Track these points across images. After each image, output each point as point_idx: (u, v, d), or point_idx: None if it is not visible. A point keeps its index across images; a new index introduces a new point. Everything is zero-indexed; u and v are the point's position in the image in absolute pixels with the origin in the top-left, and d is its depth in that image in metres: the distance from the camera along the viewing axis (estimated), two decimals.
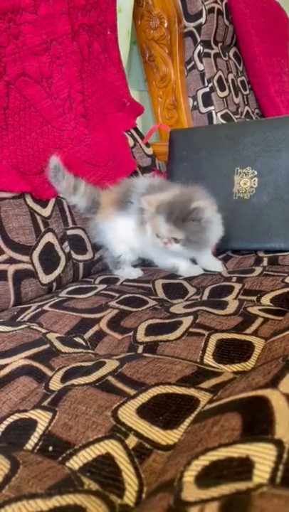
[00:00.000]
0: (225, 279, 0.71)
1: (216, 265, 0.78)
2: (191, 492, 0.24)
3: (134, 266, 0.82)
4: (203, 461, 0.26)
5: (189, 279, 0.73)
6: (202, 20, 1.22)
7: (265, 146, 0.85)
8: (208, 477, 0.24)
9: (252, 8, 1.37)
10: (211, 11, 1.22)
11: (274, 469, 0.23)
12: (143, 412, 0.36)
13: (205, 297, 0.65)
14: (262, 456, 0.24)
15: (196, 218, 0.69)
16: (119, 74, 0.97)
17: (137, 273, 0.78)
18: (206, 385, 0.39)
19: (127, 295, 0.66)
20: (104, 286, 0.71)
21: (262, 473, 0.23)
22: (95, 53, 0.90)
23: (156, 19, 1.24)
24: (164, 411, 0.36)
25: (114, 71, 0.95)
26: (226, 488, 0.23)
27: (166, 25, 1.23)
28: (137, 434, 0.33)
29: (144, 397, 0.38)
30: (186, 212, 0.68)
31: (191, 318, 0.54)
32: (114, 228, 0.77)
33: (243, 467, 0.24)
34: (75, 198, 0.78)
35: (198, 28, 1.23)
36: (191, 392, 0.38)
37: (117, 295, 0.66)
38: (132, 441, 0.33)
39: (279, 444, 0.24)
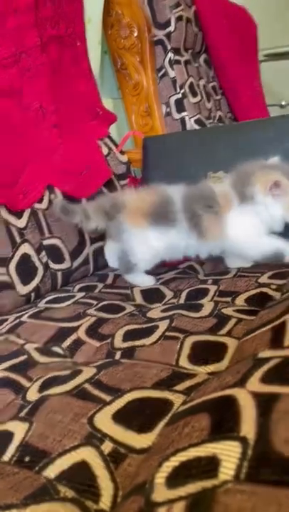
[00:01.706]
0: (201, 282, 0.72)
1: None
2: (160, 493, 0.24)
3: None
4: (174, 462, 0.27)
5: (166, 284, 0.74)
6: (171, 28, 1.24)
7: (236, 150, 0.86)
8: (178, 477, 0.25)
9: (220, 15, 1.40)
10: (179, 19, 1.24)
11: (239, 466, 0.24)
12: (119, 417, 0.36)
13: (182, 301, 0.66)
14: (227, 453, 0.25)
15: None
16: (90, 83, 0.98)
17: (150, 280, 0.76)
18: (180, 387, 0.40)
19: (105, 302, 0.66)
20: (83, 294, 0.71)
21: (227, 470, 0.24)
22: (66, 64, 0.91)
23: (126, 28, 1.25)
24: (139, 415, 0.36)
25: (85, 81, 0.96)
26: (193, 487, 0.23)
27: (136, 34, 1.25)
28: (113, 440, 0.34)
29: (120, 403, 0.38)
30: None
31: (167, 322, 0.55)
32: (145, 238, 0.73)
33: (210, 465, 0.24)
34: (92, 223, 0.74)
35: (168, 36, 1.25)
36: (166, 395, 0.39)
37: (95, 302, 0.66)
38: (107, 446, 0.33)
39: (244, 441, 0.25)
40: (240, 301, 0.61)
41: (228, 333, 0.50)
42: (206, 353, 0.47)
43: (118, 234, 0.74)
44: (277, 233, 0.74)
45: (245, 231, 0.72)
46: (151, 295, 0.70)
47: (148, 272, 0.76)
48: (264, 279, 0.68)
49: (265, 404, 0.28)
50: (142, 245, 0.73)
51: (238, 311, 0.57)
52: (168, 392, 0.39)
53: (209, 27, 1.35)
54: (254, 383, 0.31)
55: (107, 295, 0.71)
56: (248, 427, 0.26)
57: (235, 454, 0.24)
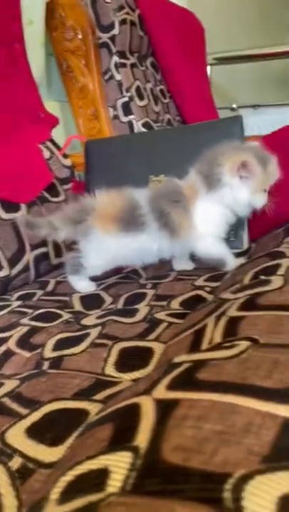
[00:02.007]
0: (140, 286, 0.72)
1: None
2: (50, 510, 0.24)
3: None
4: (70, 476, 0.26)
5: (107, 289, 0.73)
6: (115, 31, 1.24)
7: (176, 154, 0.87)
8: (70, 492, 0.25)
9: (166, 18, 1.41)
10: (123, 22, 1.24)
11: (126, 477, 0.23)
12: (32, 431, 0.36)
13: (120, 306, 0.65)
14: (118, 465, 0.24)
15: None
16: (30, 86, 0.96)
17: (91, 286, 0.74)
18: (100, 396, 0.40)
19: (41, 310, 0.65)
20: (20, 302, 0.70)
21: (115, 482, 0.23)
22: (2, 66, 0.89)
23: (71, 31, 1.25)
24: (54, 427, 0.36)
25: (24, 83, 0.94)
26: (79, 502, 0.23)
27: (80, 36, 1.24)
28: (22, 455, 0.33)
29: (36, 416, 0.37)
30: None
31: (99, 328, 0.54)
32: (110, 244, 0.70)
33: (100, 478, 0.24)
34: (60, 233, 0.70)
35: (113, 39, 1.25)
36: (84, 405, 0.38)
37: (30, 311, 0.65)
38: (16, 462, 0.32)
39: (135, 450, 0.25)
40: (175, 304, 0.62)
41: (157, 338, 0.50)
42: (133, 359, 0.46)
43: (83, 235, 0.71)
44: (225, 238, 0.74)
45: (211, 220, 0.70)
46: (91, 301, 0.69)
47: (92, 278, 0.76)
48: (200, 281, 0.69)
49: (164, 411, 0.28)
50: (101, 251, 0.71)
51: (170, 314, 0.57)
52: (87, 402, 0.38)
53: (154, 30, 1.36)
54: (160, 390, 0.31)
55: (46, 303, 0.70)
56: (143, 436, 0.26)
57: (125, 465, 0.24)
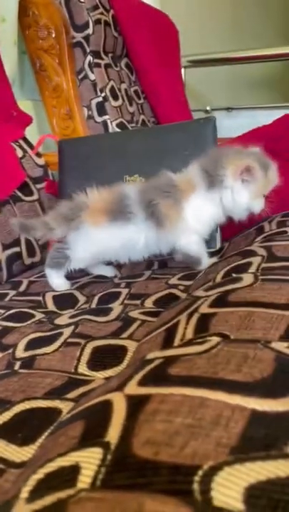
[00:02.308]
0: (115, 286, 0.72)
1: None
2: (19, 509, 0.24)
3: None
4: (40, 474, 0.26)
5: (81, 288, 0.73)
6: (89, 31, 1.23)
7: (150, 154, 0.87)
8: (40, 490, 0.24)
9: (140, 20, 1.42)
10: (97, 22, 1.24)
11: (96, 472, 0.23)
12: (3, 431, 0.35)
13: (94, 305, 0.65)
14: (88, 460, 0.24)
15: None
16: (2, 84, 0.95)
17: (65, 285, 0.74)
18: (72, 394, 0.40)
19: (13, 310, 0.64)
20: None
21: (85, 478, 0.23)
22: None
23: (44, 29, 1.23)
24: (25, 427, 0.35)
25: None
26: (49, 499, 0.23)
27: (54, 35, 1.23)
28: None
29: (7, 416, 0.37)
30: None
31: (72, 328, 0.54)
32: (99, 237, 0.70)
33: (71, 475, 0.24)
34: (56, 232, 0.69)
35: (87, 38, 1.24)
36: (56, 404, 0.38)
37: (2, 311, 0.64)
38: None
39: (106, 446, 0.25)
40: (148, 303, 0.62)
41: (130, 336, 0.50)
42: (106, 357, 0.46)
43: (74, 229, 0.70)
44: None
45: (202, 218, 0.71)
46: (64, 301, 0.69)
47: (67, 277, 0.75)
48: (174, 280, 0.69)
49: (135, 406, 0.28)
50: (89, 243, 0.71)
51: (144, 313, 0.57)
52: (58, 401, 0.38)
53: (128, 31, 1.36)
54: (132, 386, 0.31)
55: (18, 303, 0.69)
56: (114, 431, 0.26)
57: (96, 461, 0.24)
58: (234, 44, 2.33)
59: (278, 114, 0.97)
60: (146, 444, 0.24)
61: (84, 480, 0.23)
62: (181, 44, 1.68)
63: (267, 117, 1.01)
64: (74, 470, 0.24)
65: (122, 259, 0.74)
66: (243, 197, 0.69)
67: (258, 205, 0.70)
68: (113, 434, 0.26)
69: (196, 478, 0.21)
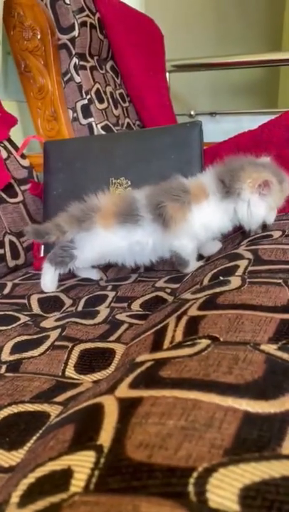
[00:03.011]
0: (101, 289, 0.71)
1: (217, 246, 0.78)
2: None
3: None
4: (31, 478, 0.25)
5: (67, 291, 0.72)
6: (75, 33, 1.23)
7: (136, 157, 0.88)
8: (31, 495, 0.24)
9: (126, 23, 1.42)
10: (83, 24, 1.23)
11: (90, 476, 0.23)
12: None
13: (80, 308, 0.65)
14: (81, 464, 0.24)
15: None
16: None
17: (52, 287, 0.74)
18: (60, 398, 0.39)
19: None
20: None
21: (78, 481, 0.23)
22: None
23: (29, 30, 1.23)
24: (13, 431, 0.35)
25: None
26: (41, 504, 0.22)
27: (39, 36, 1.22)
28: None
29: None
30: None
31: (59, 331, 0.53)
32: (110, 240, 0.71)
33: (63, 479, 0.24)
34: (68, 235, 0.70)
35: (72, 40, 1.24)
36: (44, 407, 0.37)
37: None
38: None
39: (99, 449, 0.25)
40: (135, 306, 0.62)
41: (118, 339, 0.50)
42: (94, 360, 0.46)
43: (85, 230, 0.71)
44: None
45: (210, 225, 0.71)
46: (49, 304, 0.68)
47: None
48: (160, 283, 0.69)
49: (127, 409, 0.27)
50: (98, 245, 0.72)
51: (131, 316, 0.57)
52: (47, 405, 0.38)
53: (114, 34, 1.36)
54: (123, 389, 0.31)
55: (2, 306, 0.68)
56: (106, 434, 0.26)
57: (88, 464, 0.24)
58: (218, 50, 2.36)
59: (261, 119, 0.98)
60: (140, 446, 0.24)
61: (77, 484, 0.23)
62: (166, 49, 1.69)
63: (250, 122, 1.02)
64: (66, 474, 0.24)
65: (128, 262, 0.75)
66: (261, 210, 0.69)
67: (272, 217, 0.71)
68: (105, 437, 0.26)
69: (191, 480, 0.21)
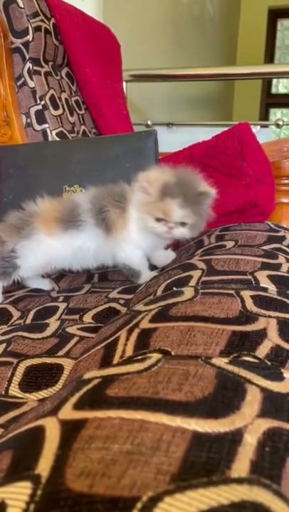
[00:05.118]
0: (52, 300, 0.69)
1: (170, 256, 0.75)
2: None
3: None
4: None
5: (15, 303, 0.69)
6: (29, 37, 1.20)
7: (90, 165, 0.86)
8: None
9: (81, 31, 1.41)
10: (37, 29, 1.21)
11: (24, 510, 0.21)
12: None
13: (29, 321, 0.62)
14: (16, 497, 0.22)
15: (206, 203, 0.66)
16: None
17: (0, 298, 0.71)
18: (1, 420, 0.36)
19: None
20: None
21: None
22: None
23: None
24: None
25: None
26: None
27: None
28: None
29: None
30: (197, 195, 0.65)
31: (4, 346, 0.50)
32: (53, 246, 0.69)
33: None
34: (8, 245, 0.69)
35: (26, 45, 1.21)
36: None
37: None
38: None
39: (36, 480, 0.22)
40: (87, 318, 0.60)
41: (67, 354, 0.48)
42: (40, 377, 0.43)
43: (25, 238, 0.69)
44: None
45: (144, 232, 0.69)
46: None
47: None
48: (114, 294, 0.67)
49: (69, 433, 0.25)
50: (41, 252, 0.69)
51: (82, 328, 0.55)
52: None
53: (69, 41, 1.34)
54: (68, 409, 0.29)
55: None
56: (45, 462, 0.24)
57: (24, 497, 0.22)
58: (175, 62, 2.40)
59: (216, 131, 0.99)
60: (81, 475, 0.22)
61: None
62: (123, 58, 1.70)
63: (206, 134, 1.03)
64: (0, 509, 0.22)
65: (73, 268, 0.74)
66: (135, 210, 0.68)
67: (148, 224, 0.67)
68: (44, 465, 0.23)
69: (135, 511, 0.19)
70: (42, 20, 1.23)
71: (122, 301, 0.64)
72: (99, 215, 0.68)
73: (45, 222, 0.69)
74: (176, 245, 0.81)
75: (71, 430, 0.26)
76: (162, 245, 0.75)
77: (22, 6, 1.18)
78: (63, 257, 0.71)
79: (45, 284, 0.77)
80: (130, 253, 0.71)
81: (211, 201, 0.67)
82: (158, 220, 0.66)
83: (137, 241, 0.71)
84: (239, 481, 0.21)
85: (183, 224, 0.66)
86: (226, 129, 0.97)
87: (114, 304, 0.62)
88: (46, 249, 0.70)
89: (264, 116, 3.84)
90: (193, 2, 2.59)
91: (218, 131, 0.98)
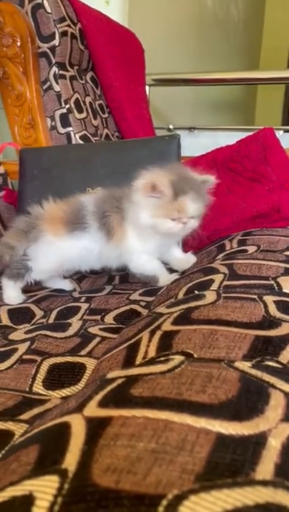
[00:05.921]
0: (74, 300, 0.70)
1: (191, 260, 0.74)
2: None
3: None
4: None
5: (38, 302, 0.70)
6: (55, 42, 1.22)
7: (113, 168, 0.87)
8: None
9: (106, 35, 1.42)
10: (64, 34, 1.23)
11: (52, 503, 0.21)
12: None
13: (51, 320, 0.63)
14: (44, 490, 0.22)
15: (206, 190, 0.67)
16: None
17: (18, 299, 0.72)
18: (26, 415, 0.37)
19: None
20: None
21: (40, 509, 0.21)
22: None
23: (9, 37, 1.21)
24: None
25: None
26: None
27: (19, 43, 1.21)
28: None
29: None
30: (200, 185, 0.66)
31: (28, 344, 0.52)
32: (58, 248, 0.70)
33: (24, 506, 0.22)
34: (18, 250, 0.71)
35: (52, 49, 1.23)
36: (8, 425, 0.35)
37: None
38: None
39: (63, 474, 0.23)
40: (109, 318, 0.60)
41: (89, 353, 0.48)
42: (63, 375, 0.44)
43: (34, 240, 0.70)
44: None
45: (140, 235, 0.69)
46: (20, 315, 0.66)
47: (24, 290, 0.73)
48: (135, 296, 0.68)
49: (94, 430, 0.26)
50: (50, 254, 0.70)
51: (104, 329, 0.55)
52: (11, 423, 0.36)
53: (95, 46, 1.36)
54: (92, 407, 0.29)
55: None
56: (72, 457, 0.24)
57: (51, 490, 0.22)
58: (198, 66, 2.40)
59: (238, 136, 0.99)
60: (107, 471, 0.23)
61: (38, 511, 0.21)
62: (146, 62, 1.71)
63: (227, 138, 1.03)
64: (27, 500, 0.22)
65: (82, 269, 0.75)
66: (144, 214, 0.65)
67: (164, 226, 0.65)
68: (71, 460, 0.24)
69: (160, 508, 0.20)
70: (68, 26, 1.25)
71: (143, 303, 0.64)
72: (102, 219, 0.69)
73: (52, 223, 0.70)
74: (196, 248, 0.81)
75: (96, 427, 0.26)
76: (171, 244, 0.74)
77: (49, 11, 1.20)
78: (71, 257, 0.72)
79: (66, 285, 0.78)
80: (137, 261, 0.71)
81: (210, 187, 0.68)
82: (172, 219, 0.65)
83: (139, 248, 0.70)
84: (264, 483, 0.21)
85: (193, 216, 0.66)
86: (248, 133, 0.97)
87: (135, 306, 0.63)
88: (56, 251, 0.71)
89: (286, 121, 3.80)
90: (218, 7, 2.59)
91: (240, 135, 0.98)
